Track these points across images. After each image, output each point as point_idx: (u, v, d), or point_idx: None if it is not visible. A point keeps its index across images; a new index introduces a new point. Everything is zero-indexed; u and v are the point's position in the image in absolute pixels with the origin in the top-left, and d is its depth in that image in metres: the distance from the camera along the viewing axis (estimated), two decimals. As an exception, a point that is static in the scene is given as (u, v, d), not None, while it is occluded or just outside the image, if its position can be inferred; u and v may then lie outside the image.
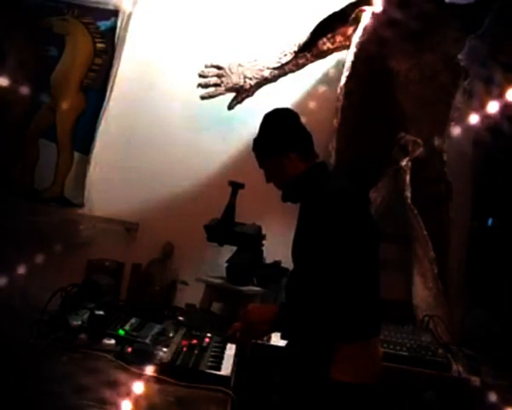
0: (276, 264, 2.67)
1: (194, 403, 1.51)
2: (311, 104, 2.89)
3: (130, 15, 2.98)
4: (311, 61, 2.82)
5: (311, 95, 2.99)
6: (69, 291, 2.12)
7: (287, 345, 1.83)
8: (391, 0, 2.63)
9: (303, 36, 2.76)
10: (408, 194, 2.63)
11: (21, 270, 2.57)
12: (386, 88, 2.67)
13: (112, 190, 2.92)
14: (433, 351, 2.23)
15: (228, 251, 2.58)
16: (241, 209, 2.51)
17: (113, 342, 1.84)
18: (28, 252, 2.67)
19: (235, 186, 2.50)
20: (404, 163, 2.65)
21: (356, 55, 2.64)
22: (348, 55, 2.69)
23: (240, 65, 2.79)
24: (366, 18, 2.64)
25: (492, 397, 2.07)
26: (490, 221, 2.87)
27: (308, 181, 1.73)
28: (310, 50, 2.79)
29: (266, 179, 1.86)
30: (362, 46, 2.64)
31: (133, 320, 2.10)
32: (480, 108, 2.67)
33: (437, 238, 2.64)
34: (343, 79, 2.66)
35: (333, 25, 2.76)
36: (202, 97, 2.79)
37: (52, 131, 2.96)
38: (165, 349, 1.84)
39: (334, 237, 1.57)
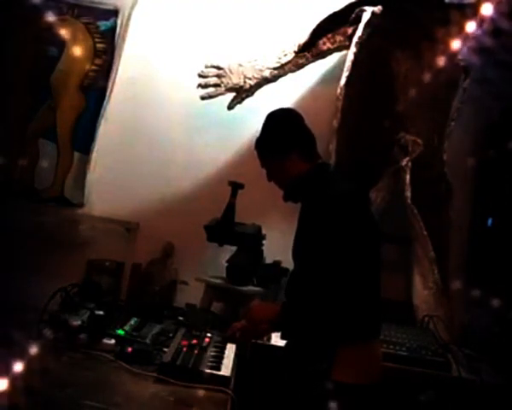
0: (276, 264, 2.67)
1: (194, 403, 1.51)
2: (312, 104, 2.89)
3: (130, 15, 2.97)
4: (311, 61, 2.81)
5: (311, 95, 2.99)
6: (69, 291, 2.12)
7: (286, 345, 1.83)
8: (391, 0, 2.65)
9: (303, 36, 2.76)
10: (408, 194, 2.63)
11: (21, 270, 2.57)
12: (387, 88, 2.67)
13: (112, 190, 2.92)
14: (433, 351, 2.23)
15: (228, 251, 2.58)
16: (241, 209, 2.51)
17: (113, 342, 1.84)
18: (28, 252, 2.67)
19: (235, 186, 2.50)
20: (404, 163, 2.65)
21: (356, 55, 2.64)
22: (348, 55, 2.68)
23: (240, 65, 2.79)
24: (366, 18, 2.64)
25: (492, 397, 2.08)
26: (490, 221, 2.87)
27: (310, 181, 1.73)
28: (310, 50, 2.78)
29: (268, 178, 1.87)
30: (362, 46, 2.64)
31: (133, 320, 2.10)
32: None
33: (437, 238, 2.63)
34: (343, 80, 2.66)
35: (333, 25, 2.76)
36: (202, 97, 2.79)
37: (52, 131, 2.96)
38: (165, 349, 1.84)
39: (335, 237, 1.57)
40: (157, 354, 1.81)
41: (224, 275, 2.53)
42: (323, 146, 2.45)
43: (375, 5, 2.64)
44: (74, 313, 1.95)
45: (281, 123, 1.85)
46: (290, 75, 2.82)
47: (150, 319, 2.18)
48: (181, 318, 2.31)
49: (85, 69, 2.98)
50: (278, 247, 2.55)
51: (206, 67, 2.81)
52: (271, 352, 2.14)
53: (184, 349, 1.82)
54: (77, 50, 2.98)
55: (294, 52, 2.76)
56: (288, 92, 2.93)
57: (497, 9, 2.48)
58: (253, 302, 1.89)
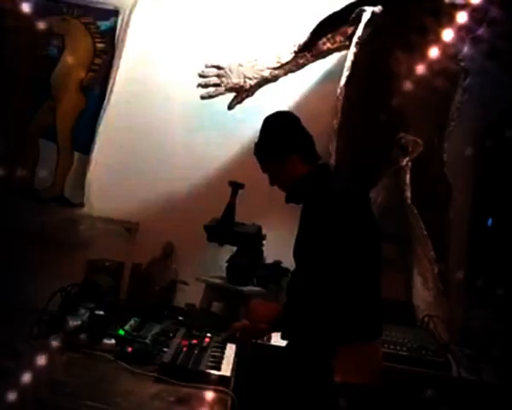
0: (277, 264, 2.67)
1: (194, 403, 1.51)
2: (312, 104, 2.89)
3: (130, 15, 2.97)
4: (311, 61, 2.82)
5: (311, 95, 2.99)
6: (69, 291, 2.12)
7: (287, 345, 1.83)
8: (391, 0, 2.65)
9: (303, 36, 2.76)
10: (408, 194, 2.63)
11: (21, 270, 2.57)
12: (386, 88, 2.67)
13: (112, 190, 2.92)
14: (433, 351, 2.23)
15: (228, 251, 2.58)
16: (241, 209, 2.51)
17: (113, 342, 1.84)
18: (28, 252, 2.67)
19: (235, 186, 2.50)
20: (404, 163, 2.65)
21: (356, 55, 2.64)
22: (348, 55, 2.69)
23: (240, 65, 2.79)
24: (366, 18, 2.64)
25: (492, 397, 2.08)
26: (490, 221, 2.87)
27: (311, 182, 1.74)
28: (310, 50, 2.79)
29: (270, 183, 1.87)
30: (362, 46, 2.64)
31: (133, 320, 2.10)
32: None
33: (437, 238, 2.64)
34: (343, 80, 2.66)
35: (333, 25, 2.76)
36: (202, 97, 2.79)
37: (52, 131, 2.95)
38: (165, 349, 1.84)
39: (335, 236, 1.58)
40: (157, 354, 1.81)
41: (224, 275, 2.53)
42: (323, 146, 2.45)
43: (375, 5, 2.65)
44: (74, 313, 1.95)
45: (278, 126, 1.85)
46: (290, 75, 2.83)
47: (150, 319, 2.18)
48: (181, 318, 2.31)
49: (85, 69, 2.98)
50: (278, 247, 2.55)
51: (207, 66, 2.81)
52: (271, 352, 2.14)
53: (184, 349, 1.82)
54: (77, 50, 2.98)
55: (294, 52, 2.77)
56: (288, 92, 2.93)
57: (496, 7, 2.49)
58: (252, 301, 1.89)
